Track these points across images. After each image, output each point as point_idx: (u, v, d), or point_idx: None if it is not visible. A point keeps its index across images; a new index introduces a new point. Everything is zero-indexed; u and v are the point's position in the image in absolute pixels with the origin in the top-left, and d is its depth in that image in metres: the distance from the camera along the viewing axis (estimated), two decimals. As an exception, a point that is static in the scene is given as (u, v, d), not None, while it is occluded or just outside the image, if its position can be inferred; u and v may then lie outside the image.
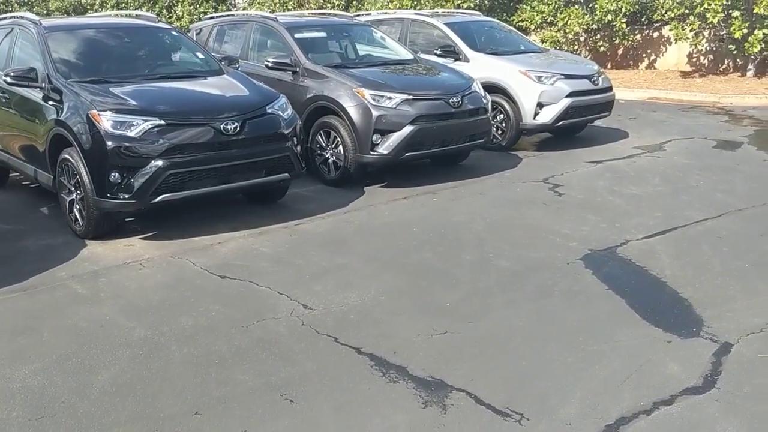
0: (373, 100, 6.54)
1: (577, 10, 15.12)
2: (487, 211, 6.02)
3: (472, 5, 15.16)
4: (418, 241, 5.24)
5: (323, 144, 6.90)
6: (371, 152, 6.56)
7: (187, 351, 3.61)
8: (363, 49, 8.02)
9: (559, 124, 8.27)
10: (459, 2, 15.20)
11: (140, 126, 5.06)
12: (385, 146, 6.55)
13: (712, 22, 13.32)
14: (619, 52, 16.55)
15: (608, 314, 3.95)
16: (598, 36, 15.87)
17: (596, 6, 14.90)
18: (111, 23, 6.80)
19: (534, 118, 8.19)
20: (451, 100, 6.79)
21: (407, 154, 6.63)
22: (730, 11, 13.12)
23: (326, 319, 3.93)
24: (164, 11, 20.88)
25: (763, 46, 13.01)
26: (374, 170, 7.05)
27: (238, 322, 3.93)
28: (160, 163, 5.04)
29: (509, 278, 4.51)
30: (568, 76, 8.32)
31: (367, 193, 6.68)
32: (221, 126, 5.23)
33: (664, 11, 14.20)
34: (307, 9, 17.51)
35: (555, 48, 16.00)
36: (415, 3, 15.45)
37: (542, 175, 7.22)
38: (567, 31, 15.24)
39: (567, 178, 7.09)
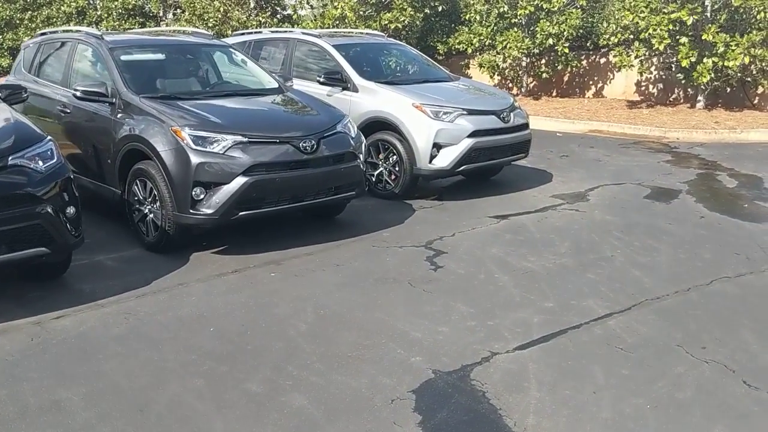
0: (194, 143, 5.00)
1: (516, 33, 13.82)
2: (330, 296, 4.50)
3: (400, 26, 13.80)
4: (199, 354, 3.70)
5: (141, 197, 5.35)
6: (192, 211, 5.01)
7: None
8: (213, 76, 6.49)
9: (461, 169, 6.82)
10: (386, 23, 13.80)
11: None
12: (211, 204, 5.00)
13: (658, 48, 12.12)
14: (565, 78, 15.32)
15: None
16: (542, 61, 14.63)
17: (537, 29, 13.64)
18: None
19: (430, 162, 6.73)
20: (302, 144, 5.27)
21: (241, 213, 5.09)
22: (678, 37, 11.94)
23: None
24: (93, 26, 19.92)
25: (712, 75, 11.83)
26: (202, 233, 5.48)
27: None
28: None
29: (292, 433, 2.98)
30: (471, 112, 6.86)
31: (191, 262, 5.14)
32: None
33: (608, 36, 12.98)
34: (230, 28, 16.02)
35: (494, 74, 14.75)
36: (338, 22, 14.02)
37: (429, 235, 5.76)
38: (506, 55, 13.95)
39: (456, 240, 5.64)
